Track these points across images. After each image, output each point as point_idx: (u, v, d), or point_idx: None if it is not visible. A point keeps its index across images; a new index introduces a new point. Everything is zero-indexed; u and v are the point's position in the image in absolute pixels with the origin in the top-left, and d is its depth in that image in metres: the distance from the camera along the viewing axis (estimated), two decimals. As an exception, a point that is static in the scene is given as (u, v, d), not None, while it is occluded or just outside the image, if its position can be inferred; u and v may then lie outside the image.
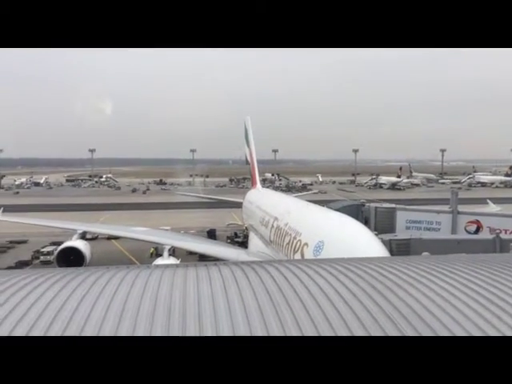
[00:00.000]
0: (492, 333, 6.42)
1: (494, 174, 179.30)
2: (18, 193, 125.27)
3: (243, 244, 48.11)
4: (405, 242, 23.72)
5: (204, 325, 6.56)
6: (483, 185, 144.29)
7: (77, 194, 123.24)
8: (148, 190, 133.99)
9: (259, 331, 6.45)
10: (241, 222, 57.62)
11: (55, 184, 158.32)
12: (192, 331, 6.40)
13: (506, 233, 26.68)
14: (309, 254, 20.54)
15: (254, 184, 58.10)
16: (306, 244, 21.78)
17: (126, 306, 7.09)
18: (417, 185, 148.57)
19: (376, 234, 21.68)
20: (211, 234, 55.08)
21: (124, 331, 6.37)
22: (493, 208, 46.20)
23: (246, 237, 47.99)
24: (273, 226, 30.86)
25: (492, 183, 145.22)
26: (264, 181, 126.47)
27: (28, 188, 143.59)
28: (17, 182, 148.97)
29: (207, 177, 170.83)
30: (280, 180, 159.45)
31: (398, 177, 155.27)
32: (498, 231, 25.36)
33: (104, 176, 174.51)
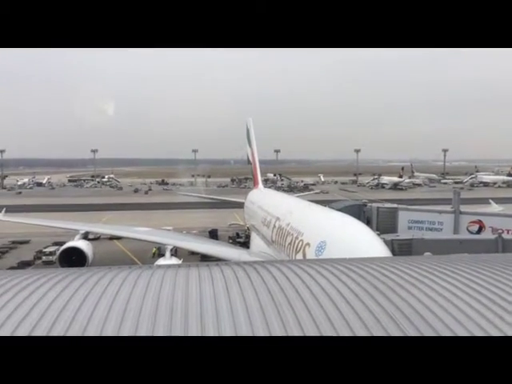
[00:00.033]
0: (494, 333, 6.41)
1: (497, 173, 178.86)
2: (20, 193, 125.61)
3: (245, 244, 48.15)
4: (407, 242, 23.70)
5: (206, 325, 6.56)
6: (485, 185, 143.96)
7: (79, 194, 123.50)
8: (150, 190, 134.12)
9: (261, 331, 6.45)
10: (243, 222, 57.60)
11: (57, 184, 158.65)
12: (194, 331, 6.41)
13: (508, 233, 26.61)
14: (311, 254, 20.53)
15: (255, 184, 58.08)
16: (307, 244, 21.77)
17: (129, 306, 7.10)
18: (419, 185, 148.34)
19: (378, 234, 21.66)
20: (213, 234, 55.08)
21: (126, 331, 6.38)
22: (495, 208, 46.09)
23: (248, 237, 48.02)
24: (275, 226, 30.86)
25: (494, 183, 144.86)
26: (266, 181, 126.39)
27: (30, 188, 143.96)
28: (19, 183, 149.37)
29: (209, 177, 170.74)
30: (282, 180, 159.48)
31: (400, 177, 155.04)
32: (500, 231, 25.34)
33: (106, 176, 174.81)
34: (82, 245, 36.58)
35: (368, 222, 29.21)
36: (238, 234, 55.39)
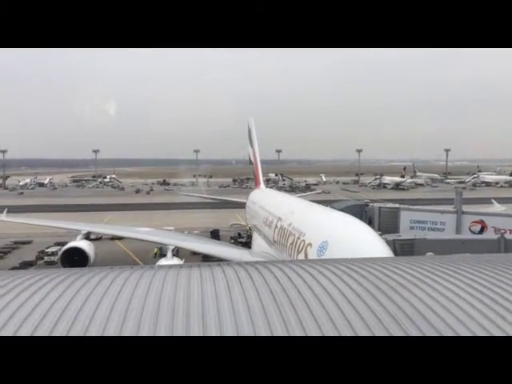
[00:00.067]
0: (496, 333, 6.40)
1: (499, 173, 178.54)
2: (22, 193, 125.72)
3: (247, 244, 48.12)
4: (409, 242, 23.67)
5: (208, 325, 6.56)
6: (488, 184, 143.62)
7: (81, 194, 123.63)
8: (152, 190, 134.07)
9: (263, 331, 6.45)
10: (244, 222, 57.61)
11: (59, 184, 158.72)
12: (196, 331, 6.41)
13: (510, 233, 26.54)
14: (312, 254, 20.52)
15: (257, 184, 58.07)
16: (309, 244, 21.75)
17: (130, 306, 7.10)
18: (421, 185, 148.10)
19: (380, 234, 21.63)
20: (215, 235, 55.10)
21: (128, 331, 6.39)
22: (497, 208, 45.96)
23: (250, 237, 47.98)
24: (276, 226, 30.85)
25: (497, 183, 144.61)
26: (268, 181, 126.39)
27: (32, 189, 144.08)
28: (21, 183, 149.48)
29: (210, 177, 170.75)
30: (284, 180, 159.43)
31: (402, 177, 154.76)
32: (502, 231, 25.25)
33: (108, 177, 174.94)
34: (84, 245, 36.62)
35: (370, 222, 29.15)
36: (239, 234, 55.37)
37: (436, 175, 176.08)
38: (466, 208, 30.91)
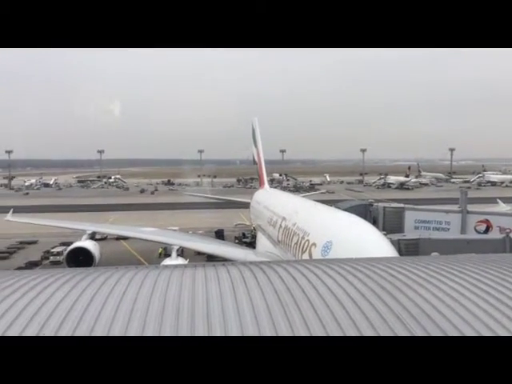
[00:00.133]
0: (502, 333, 6.38)
1: (504, 172, 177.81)
2: (27, 194, 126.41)
3: (251, 244, 48.15)
4: (414, 241, 23.61)
5: (213, 325, 6.58)
6: (493, 184, 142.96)
7: (86, 194, 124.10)
8: (156, 190, 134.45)
9: (268, 331, 6.46)
10: (249, 222, 57.62)
11: (64, 185, 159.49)
12: (201, 331, 6.42)
13: (516, 232, 26.40)
14: (317, 254, 20.49)
15: (261, 184, 58.08)
16: (314, 244, 21.73)
17: (135, 306, 7.13)
18: (425, 184, 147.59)
19: (384, 234, 21.57)
20: (219, 235, 55.12)
21: (133, 331, 6.41)
22: (503, 207, 45.72)
23: (254, 237, 48.02)
24: (281, 226, 30.84)
25: (502, 182, 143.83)
26: (272, 181, 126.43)
27: (38, 189, 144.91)
28: (26, 183, 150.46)
29: (215, 177, 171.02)
30: (288, 180, 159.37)
31: (407, 176, 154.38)
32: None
33: (113, 177, 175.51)
34: (89, 245, 36.77)
35: (374, 222, 29.09)
36: (244, 234, 55.37)
37: (441, 175, 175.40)
38: (471, 208, 30.80)
